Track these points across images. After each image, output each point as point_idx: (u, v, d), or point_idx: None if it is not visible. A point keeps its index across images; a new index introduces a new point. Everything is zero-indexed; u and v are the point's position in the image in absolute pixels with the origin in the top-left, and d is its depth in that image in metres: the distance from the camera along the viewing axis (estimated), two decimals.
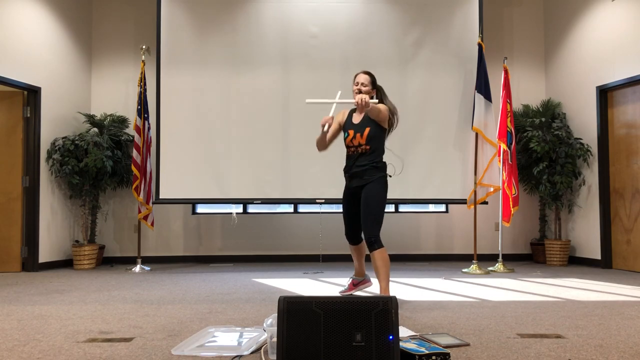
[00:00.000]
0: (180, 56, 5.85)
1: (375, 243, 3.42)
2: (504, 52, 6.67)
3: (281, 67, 5.87)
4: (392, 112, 3.63)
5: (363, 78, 3.61)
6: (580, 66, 6.13)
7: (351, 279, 3.97)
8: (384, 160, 3.62)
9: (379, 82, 3.74)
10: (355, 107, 3.65)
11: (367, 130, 3.54)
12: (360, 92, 3.56)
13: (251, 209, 6.59)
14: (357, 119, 3.63)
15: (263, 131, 5.83)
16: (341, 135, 3.77)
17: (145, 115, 5.79)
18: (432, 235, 6.60)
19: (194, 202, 6.32)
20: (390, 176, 3.63)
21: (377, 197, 3.49)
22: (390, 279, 4.85)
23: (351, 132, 3.60)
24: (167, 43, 5.85)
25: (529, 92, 6.72)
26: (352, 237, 3.78)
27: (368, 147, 3.54)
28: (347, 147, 3.65)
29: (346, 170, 3.68)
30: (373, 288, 4.17)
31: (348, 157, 3.66)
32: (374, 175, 3.52)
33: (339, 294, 4.02)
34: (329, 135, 3.66)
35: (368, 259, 4.32)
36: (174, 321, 3.09)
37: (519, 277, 5.04)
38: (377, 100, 3.37)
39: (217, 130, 5.83)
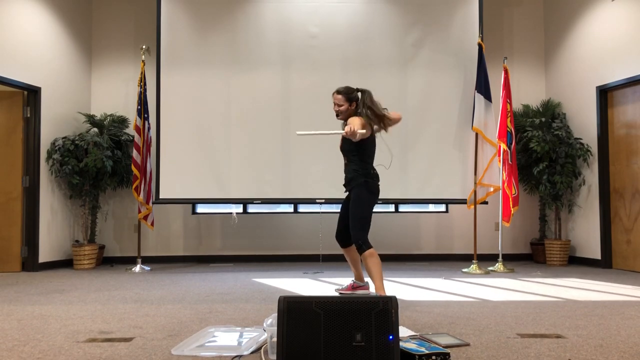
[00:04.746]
0: (180, 56, 5.85)
1: (363, 245, 3.56)
2: (504, 52, 6.66)
3: (281, 68, 5.87)
4: (370, 119, 3.59)
5: (336, 99, 3.73)
6: (580, 66, 6.13)
7: (352, 282, 4.10)
8: (366, 167, 3.68)
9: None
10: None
11: (341, 143, 3.78)
12: (337, 113, 3.74)
13: (251, 209, 6.59)
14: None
15: (263, 131, 5.83)
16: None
17: (145, 115, 5.79)
18: (432, 235, 6.60)
19: (194, 202, 6.32)
20: (378, 181, 3.70)
21: (359, 202, 3.64)
22: (391, 279, 4.86)
23: None
24: (167, 43, 5.85)
25: (529, 92, 6.72)
26: (339, 237, 3.96)
27: (346, 158, 3.76)
28: None
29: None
30: (372, 288, 4.18)
31: None
32: (357, 181, 3.67)
33: (335, 292, 4.10)
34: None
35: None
36: (174, 321, 3.09)
37: (519, 277, 5.04)
38: (364, 131, 3.41)
39: (217, 130, 5.82)
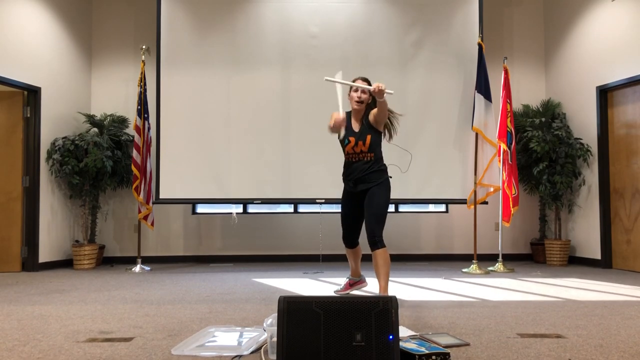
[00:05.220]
0: (180, 56, 5.85)
1: (378, 242, 3.48)
2: (504, 52, 6.66)
3: (281, 67, 5.87)
4: (390, 111, 3.66)
5: (361, 84, 3.60)
6: (580, 66, 6.12)
7: (348, 279, 4.04)
8: (384, 162, 3.67)
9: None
10: (356, 104, 3.64)
11: (369, 137, 3.57)
12: (361, 100, 3.58)
13: (251, 209, 6.59)
14: (356, 126, 3.64)
15: (263, 131, 5.83)
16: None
17: (145, 115, 5.79)
18: (432, 235, 6.60)
19: (194, 202, 6.32)
20: (391, 177, 3.67)
21: (383, 198, 3.57)
22: (390, 279, 4.85)
23: (352, 140, 3.60)
24: (167, 43, 5.85)
25: (529, 92, 6.72)
26: (350, 240, 3.83)
27: (372, 154, 3.58)
28: (348, 154, 3.64)
29: (347, 176, 3.68)
30: (372, 287, 4.17)
31: (349, 163, 3.66)
32: (380, 178, 3.59)
33: (334, 293, 4.05)
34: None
35: (364, 258, 4.33)
36: (174, 321, 3.09)
37: (519, 277, 5.04)
38: (392, 92, 3.37)
39: (217, 130, 5.82)
